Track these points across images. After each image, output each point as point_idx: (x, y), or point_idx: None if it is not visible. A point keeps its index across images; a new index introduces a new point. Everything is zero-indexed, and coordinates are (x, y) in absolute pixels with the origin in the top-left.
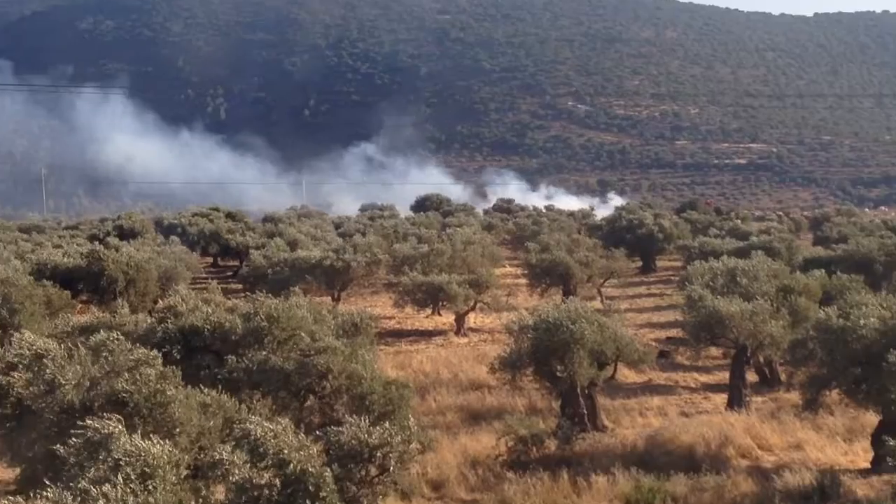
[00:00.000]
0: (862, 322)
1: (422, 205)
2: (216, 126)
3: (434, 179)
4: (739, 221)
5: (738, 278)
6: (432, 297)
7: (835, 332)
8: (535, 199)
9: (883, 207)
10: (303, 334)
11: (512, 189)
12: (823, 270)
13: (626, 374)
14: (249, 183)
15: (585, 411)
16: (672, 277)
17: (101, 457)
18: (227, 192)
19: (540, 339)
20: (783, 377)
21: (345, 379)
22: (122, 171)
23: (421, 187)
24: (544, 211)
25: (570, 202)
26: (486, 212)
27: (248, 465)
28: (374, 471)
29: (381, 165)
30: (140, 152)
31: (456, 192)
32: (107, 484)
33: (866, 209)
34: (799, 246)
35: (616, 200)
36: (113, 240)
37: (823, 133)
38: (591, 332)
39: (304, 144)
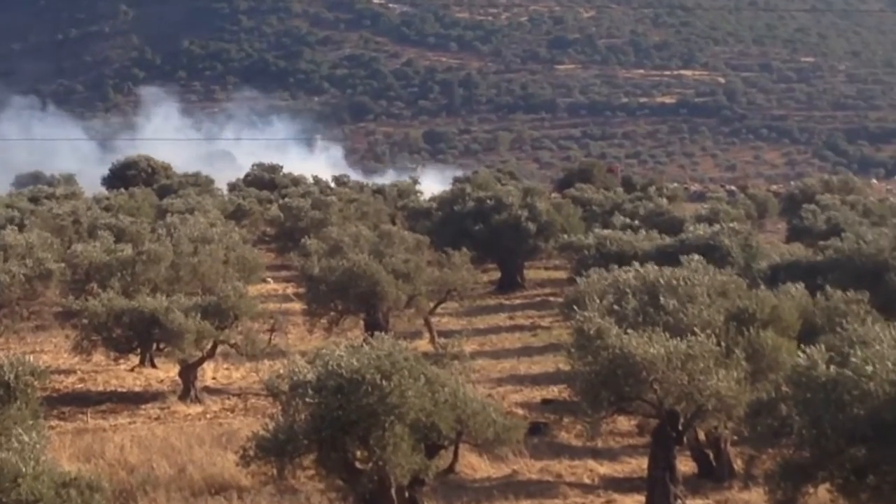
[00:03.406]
0: (868, 370)
1: (122, 176)
2: None
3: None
4: (664, 201)
5: (662, 299)
6: (140, 336)
7: (823, 389)
8: (318, 166)
9: None
10: None
11: (281, 149)
12: (804, 284)
13: (475, 464)
14: None
15: None
16: (551, 298)
17: None
18: None
19: (327, 405)
20: (738, 465)
21: None
22: None
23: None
24: (333, 186)
25: (377, 172)
26: (232, 187)
27: None
28: None
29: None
30: None
31: (184, 153)
32: None
33: (873, 180)
34: (763, 243)
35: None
36: None
37: (803, 52)
38: (416, 394)
39: None
